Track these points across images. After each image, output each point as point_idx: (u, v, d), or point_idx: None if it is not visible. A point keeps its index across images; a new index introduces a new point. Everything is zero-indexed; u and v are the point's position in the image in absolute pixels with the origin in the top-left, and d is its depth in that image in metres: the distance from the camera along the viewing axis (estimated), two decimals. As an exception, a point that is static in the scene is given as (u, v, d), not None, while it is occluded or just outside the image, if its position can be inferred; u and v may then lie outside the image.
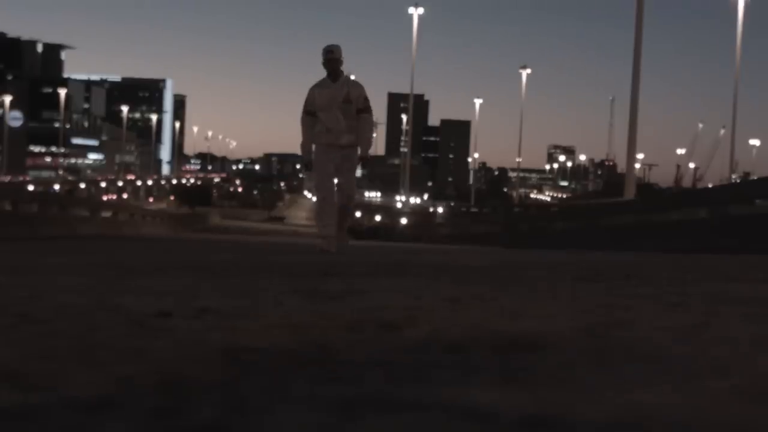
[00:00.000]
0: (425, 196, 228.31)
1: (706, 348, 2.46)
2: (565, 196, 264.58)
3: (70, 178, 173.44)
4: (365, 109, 12.87)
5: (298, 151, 13.19)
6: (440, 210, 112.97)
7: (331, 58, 12.81)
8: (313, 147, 12.89)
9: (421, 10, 76.33)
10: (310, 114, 12.92)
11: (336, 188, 12.83)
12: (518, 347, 2.44)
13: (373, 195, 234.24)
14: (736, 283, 5.15)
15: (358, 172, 13.69)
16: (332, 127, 12.67)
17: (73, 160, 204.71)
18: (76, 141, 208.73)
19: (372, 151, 13.29)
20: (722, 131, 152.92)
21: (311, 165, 12.92)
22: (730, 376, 2.06)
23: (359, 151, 12.98)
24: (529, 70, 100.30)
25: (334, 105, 12.69)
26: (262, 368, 2.12)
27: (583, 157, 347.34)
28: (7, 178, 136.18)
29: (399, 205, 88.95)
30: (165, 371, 2.03)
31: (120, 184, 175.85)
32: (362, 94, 12.86)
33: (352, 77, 13.41)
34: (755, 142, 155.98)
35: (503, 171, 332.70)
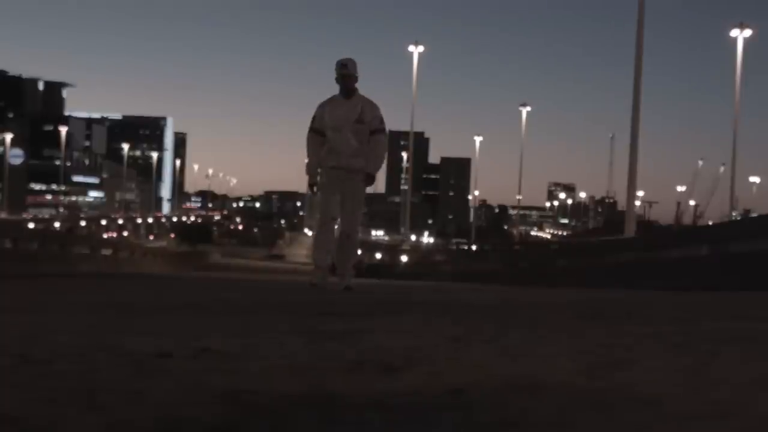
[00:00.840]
0: (426, 235, 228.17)
1: (707, 389, 2.46)
2: (565, 233, 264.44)
3: (72, 214, 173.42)
4: (380, 130, 11.90)
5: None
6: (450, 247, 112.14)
7: (346, 74, 11.79)
8: (319, 169, 11.92)
9: (420, 48, 76.43)
10: (317, 132, 11.90)
11: (339, 218, 11.90)
12: (518, 389, 2.43)
13: (376, 233, 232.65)
14: (737, 322, 5.14)
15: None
16: (342, 149, 11.71)
17: (73, 198, 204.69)
18: (77, 178, 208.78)
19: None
20: (722, 168, 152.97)
21: (316, 187, 11.94)
22: (730, 418, 2.05)
23: (367, 168, 11.87)
24: (528, 108, 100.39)
25: (345, 125, 11.72)
26: (263, 411, 2.12)
27: (583, 195, 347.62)
28: (7, 216, 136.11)
29: (406, 244, 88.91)
30: (165, 414, 2.03)
31: (120, 221, 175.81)
32: (377, 115, 11.89)
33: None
34: (755, 179, 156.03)
35: (504, 208, 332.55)
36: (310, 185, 11.94)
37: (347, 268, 11.95)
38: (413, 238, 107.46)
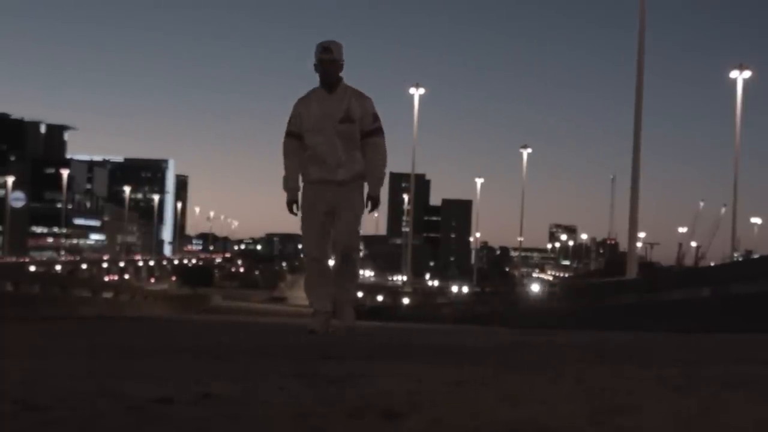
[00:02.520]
0: (427, 276, 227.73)
1: (710, 434, 2.45)
2: (566, 275, 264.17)
3: (71, 258, 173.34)
4: (375, 131, 9.61)
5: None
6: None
7: (327, 59, 9.43)
8: (300, 183, 9.74)
9: (421, 91, 76.72)
10: (295, 137, 9.63)
11: (332, 242, 9.74)
12: (520, 435, 2.42)
13: (396, 277, 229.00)
14: (740, 365, 5.12)
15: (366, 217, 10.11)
16: (326, 156, 9.46)
17: (74, 241, 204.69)
18: (78, 221, 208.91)
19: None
20: (723, 209, 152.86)
21: (297, 207, 9.71)
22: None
23: (365, 189, 9.70)
24: (529, 150, 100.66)
25: (328, 125, 9.43)
26: (263, 457, 2.11)
27: (584, 236, 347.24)
28: (8, 259, 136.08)
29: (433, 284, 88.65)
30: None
31: (122, 264, 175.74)
32: (370, 110, 9.57)
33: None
34: (757, 220, 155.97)
35: (505, 250, 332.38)
36: (289, 204, 9.68)
37: (348, 299, 9.94)
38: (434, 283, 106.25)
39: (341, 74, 9.65)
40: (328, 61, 9.44)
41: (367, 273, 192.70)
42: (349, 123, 9.47)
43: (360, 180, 9.66)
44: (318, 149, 9.52)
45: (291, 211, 9.73)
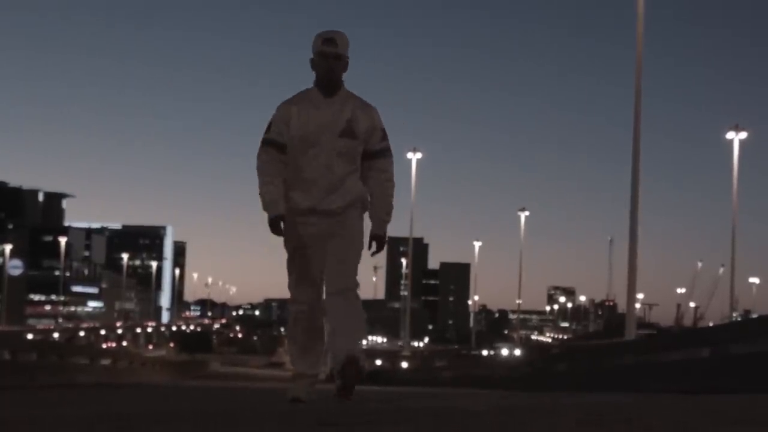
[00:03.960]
0: (426, 340, 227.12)
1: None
2: (565, 337, 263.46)
3: (69, 325, 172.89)
4: (382, 152, 7.65)
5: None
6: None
7: (330, 53, 7.46)
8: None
9: (419, 155, 77.02)
10: (276, 148, 7.54)
11: (326, 281, 7.62)
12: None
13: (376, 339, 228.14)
14: (738, 427, 5.11)
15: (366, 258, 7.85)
16: (317, 178, 7.46)
17: (72, 308, 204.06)
18: (76, 289, 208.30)
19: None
20: (722, 269, 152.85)
21: (281, 232, 7.55)
22: None
23: (365, 219, 7.76)
24: (527, 213, 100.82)
25: (324, 138, 7.45)
26: None
27: (583, 298, 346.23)
28: (5, 328, 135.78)
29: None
30: None
31: (120, 331, 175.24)
32: (378, 125, 7.61)
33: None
34: (755, 279, 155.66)
35: (504, 313, 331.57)
36: (275, 222, 7.49)
37: (351, 348, 7.45)
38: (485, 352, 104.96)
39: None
40: (332, 56, 7.44)
41: (378, 339, 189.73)
42: (350, 138, 7.46)
43: (359, 207, 7.65)
44: (307, 169, 7.47)
45: (277, 229, 7.52)
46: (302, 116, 7.50)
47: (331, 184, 7.51)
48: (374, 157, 7.66)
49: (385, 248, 7.95)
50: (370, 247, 7.72)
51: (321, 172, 7.49)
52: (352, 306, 7.58)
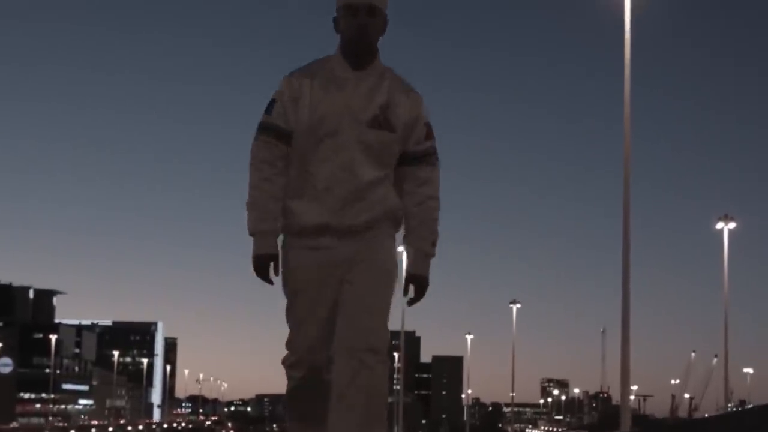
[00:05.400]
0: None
1: None
2: (560, 430, 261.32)
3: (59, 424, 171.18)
4: (426, 155, 5.42)
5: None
6: None
7: (362, 5, 5.22)
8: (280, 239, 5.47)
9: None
10: (277, 137, 5.35)
11: (337, 339, 5.31)
12: None
13: None
14: None
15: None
16: (333, 182, 5.32)
17: (63, 406, 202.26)
18: (66, 386, 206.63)
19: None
20: (715, 360, 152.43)
21: (276, 268, 5.42)
22: None
23: (406, 263, 5.54)
24: (519, 305, 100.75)
25: (346, 126, 5.27)
26: None
27: (576, 390, 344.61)
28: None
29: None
30: None
31: (111, 429, 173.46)
32: (423, 116, 5.41)
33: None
34: (749, 370, 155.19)
35: (497, 406, 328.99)
36: (260, 259, 5.31)
37: None
38: None
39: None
40: (364, 8, 5.20)
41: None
42: (384, 130, 5.26)
43: (392, 227, 5.43)
44: (320, 169, 5.28)
45: (263, 273, 5.32)
46: (317, 94, 5.23)
47: (354, 191, 5.23)
48: (416, 161, 5.35)
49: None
50: (405, 291, 5.41)
51: (339, 175, 5.23)
52: (375, 377, 5.14)
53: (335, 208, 5.26)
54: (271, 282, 5.33)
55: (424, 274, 5.38)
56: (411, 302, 5.38)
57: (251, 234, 5.26)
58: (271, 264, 5.32)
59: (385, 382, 5.26)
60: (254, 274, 5.28)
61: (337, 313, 5.32)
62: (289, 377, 5.65)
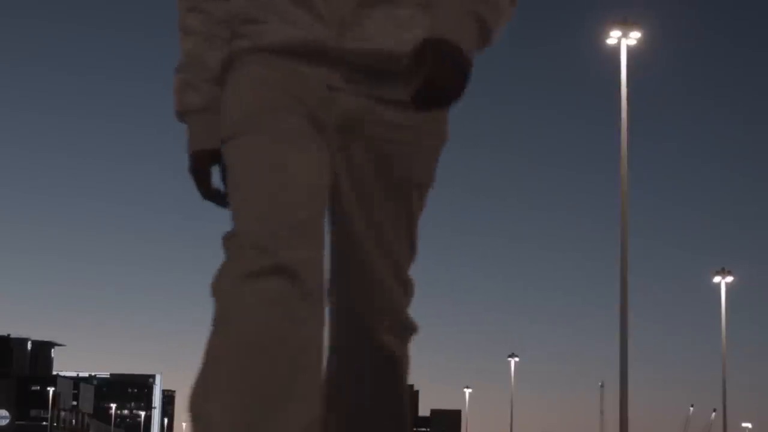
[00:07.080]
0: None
1: None
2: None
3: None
4: None
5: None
6: None
7: None
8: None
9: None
10: None
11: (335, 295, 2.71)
12: None
13: None
14: None
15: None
16: None
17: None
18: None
19: None
20: (713, 414, 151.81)
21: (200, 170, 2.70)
22: None
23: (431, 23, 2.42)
24: (517, 359, 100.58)
25: None
26: None
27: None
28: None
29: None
30: None
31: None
32: None
33: None
34: (747, 424, 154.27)
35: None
36: (196, 164, 2.71)
37: None
38: None
39: None
40: None
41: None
42: None
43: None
44: None
45: (204, 186, 2.76)
46: None
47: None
48: None
49: None
50: (412, 75, 2.38)
51: None
52: (392, 370, 2.81)
53: (340, 19, 2.58)
54: (223, 202, 2.77)
55: (457, 41, 2.38)
56: (419, 101, 2.38)
57: (178, 116, 2.75)
58: (203, 160, 2.74)
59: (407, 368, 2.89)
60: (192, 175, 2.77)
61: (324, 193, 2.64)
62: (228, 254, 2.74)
